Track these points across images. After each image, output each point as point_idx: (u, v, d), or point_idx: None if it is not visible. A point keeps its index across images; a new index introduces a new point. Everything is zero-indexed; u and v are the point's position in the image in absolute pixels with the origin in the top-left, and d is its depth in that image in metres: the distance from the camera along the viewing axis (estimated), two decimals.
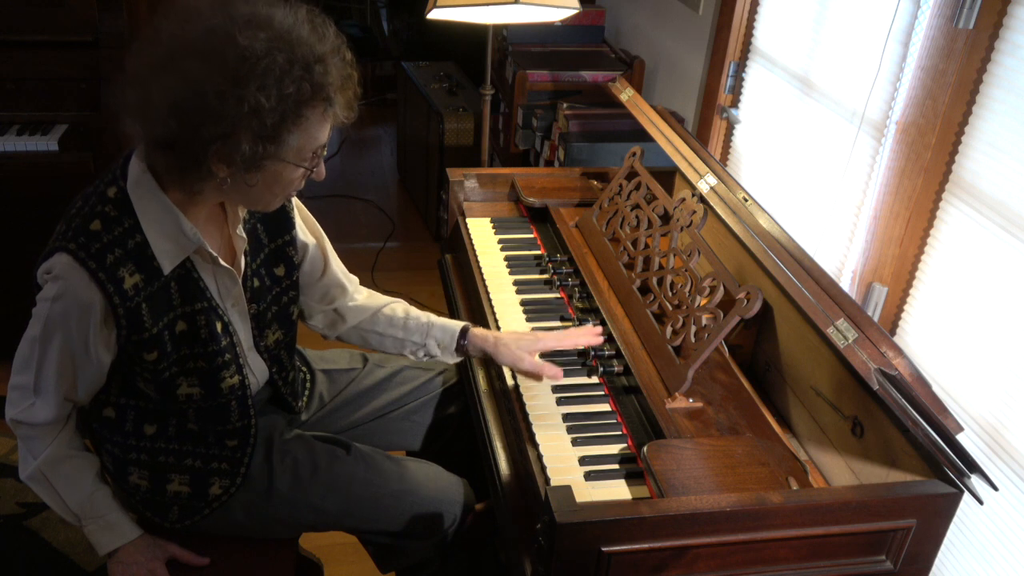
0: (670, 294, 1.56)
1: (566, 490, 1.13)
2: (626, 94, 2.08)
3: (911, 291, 1.79)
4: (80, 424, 1.46)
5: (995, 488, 1.20)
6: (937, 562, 1.29)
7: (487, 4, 2.34)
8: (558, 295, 1.76)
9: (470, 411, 1.68)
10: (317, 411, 1.72)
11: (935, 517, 1.21)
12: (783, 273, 1.44)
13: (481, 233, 1.96)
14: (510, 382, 1.51)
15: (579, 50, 3.38)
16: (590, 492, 1.27)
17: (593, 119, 2.91)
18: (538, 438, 1.37)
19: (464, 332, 1.60)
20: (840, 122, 2.02)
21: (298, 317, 1.60)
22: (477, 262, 1.85)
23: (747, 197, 1.63)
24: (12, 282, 2.38)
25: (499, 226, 2.00)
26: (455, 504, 1.60)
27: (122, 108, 1.23)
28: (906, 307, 1.81)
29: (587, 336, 1.55)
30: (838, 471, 1.38)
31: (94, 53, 2.56)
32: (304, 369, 1.71)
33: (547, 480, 1.29)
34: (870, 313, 1.83)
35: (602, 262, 1.78)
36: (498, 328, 1.65)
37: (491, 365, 1.63)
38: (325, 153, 1.31)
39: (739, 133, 2.55)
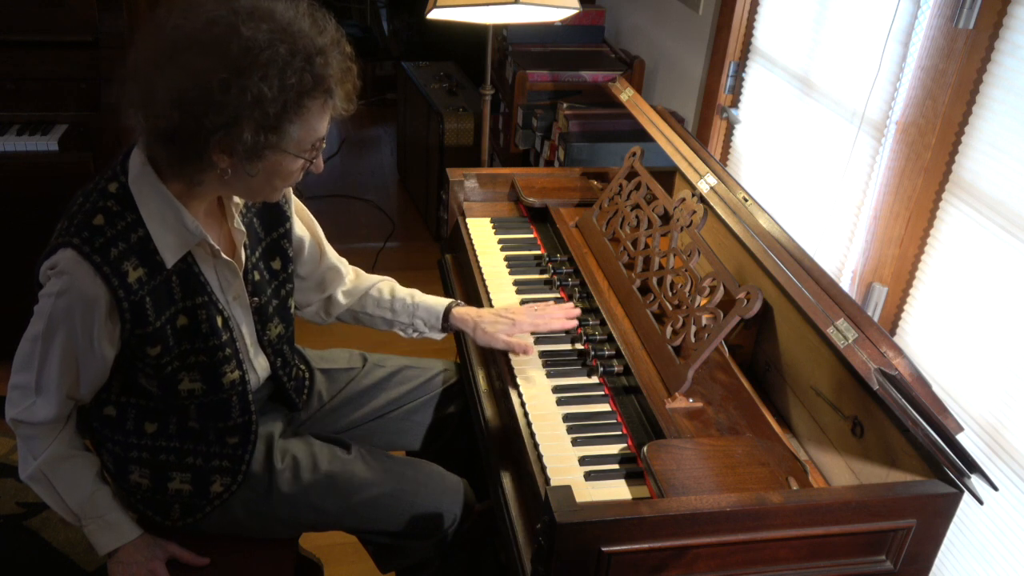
0: (670, 294, 1.56)
1: (566, 490, 1.13)
2: (626, 94, 2.08)
3: (911, 291, 1.79)
4: (80, 423, 1.46)
5: (995, 488, 1.20)
6: (937, 562, 1.29)
7: (487, 4, 2.34)
8: (558, 295, 1.76)
9: (470, 411, 1.68)
10: (317, 410, 1.72)
11: (935, 517, 1.21)
12: (783, 273, 1.44)
13: (481, 233, 1.96)
14: (510, 382, 1.51)
15: (579, 50, 3.38)
16: (590, 492, 1.27)
17: (593, 119, 2.91)
18: (538, 438, 1.37)
19: (447, 314, 1.66)
20: (840, 122, 2.01)
21: (295, 310, 1.61)
22: (477, 262, 1.85)
23: (747, 197, 1.63)
24: (12, 282, 2.38)
25: (499, 226, 2.00)
26: (455, 504, 1.60)
27: (124, 101, 1.23)
28: (906, 307, 1.81)
29: (561, 320, 1.62)
30: (838, 471, 1.38)
31: (94, 53, 2.56)
32: (303, 368, 1.71)
33: (547, 480, 1.29)
34: (870, 313, 1.83)
35: (602, 262, 1.78)
36: None
37: (491, 365, 1.63)
38: (324, 146, 1.32)
39: (739, 133, 2.55)
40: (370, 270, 1.78)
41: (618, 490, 1.28)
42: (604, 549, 1.11)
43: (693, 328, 1.46)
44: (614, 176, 1.90)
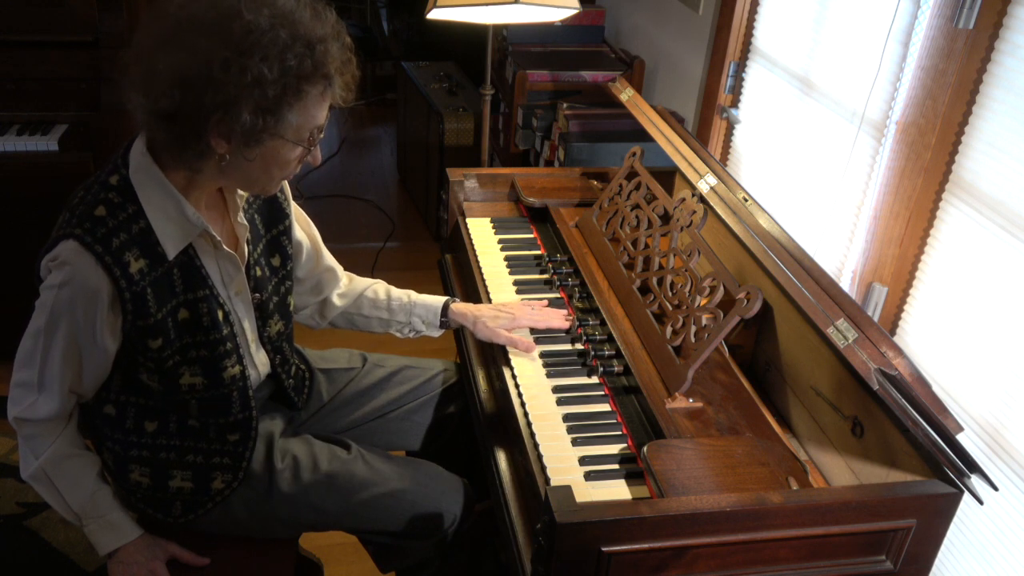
0: (670, 294, 1.56)
1: (566, 490, 1.13)
2: (626, 94, 2.08)
3: (911, 291, 1.79)
4: (81, 423, 1.46)
5: (995, 488, 1.20)
6: (937, 562, 1.29)
7: (487, 4, 2.34)
8: (558, 295, 1.76)
9: (470, 411, 1.68)
10: (317, 410, 1.72)
11: (935, 517, 1.21)
12: (783, 273, 1.44)
13: (481, 233, 1.96)
14: (510, 382, 1.51)
15: (579, 50, 3.38)
16: (590, 492, 1.27)
17: (593, 119, 2.91)
18: (538, 438, 1.37)
19: (445, 310, 1.67)
20: (840, 122, 2.02)
21: (294, 309, 1.61)
22: (477, 262, 1.85)
23: (747, 197, 1.63)
24: (12, 282, 2.38)
25: (499, 226, 2.00)
26: (455, 504, 1.60)
27: (127, 84, 1.24)
28: (906, 307, 1.81)
29: (559, 319, 1.65)
30: (838, 471, 1.38)
31: (94, 53, 2.56)
32: (303, 368, 1.71)
33: (547, 480, 1.29)
34: (870, 313, 1.83)
35: (602, 262, 1.78)
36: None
37: (491, 365, 1.63)
38: (322, 136, 1.32)
39: (739, 133, 2.55)
40: (370, 270, 1.79)
41: (618, 490, 1.29)
42: (604, 549, 1.11)
43: (693, 328, 1.46)
44: (614, 176, 1.90)
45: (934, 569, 1.30)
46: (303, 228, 1.61)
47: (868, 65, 1.89)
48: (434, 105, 3.73)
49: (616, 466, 1.33)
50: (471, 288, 1.85)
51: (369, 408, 1.74)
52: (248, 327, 1.47)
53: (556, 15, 2.50)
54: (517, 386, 1.49)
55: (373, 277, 1.76)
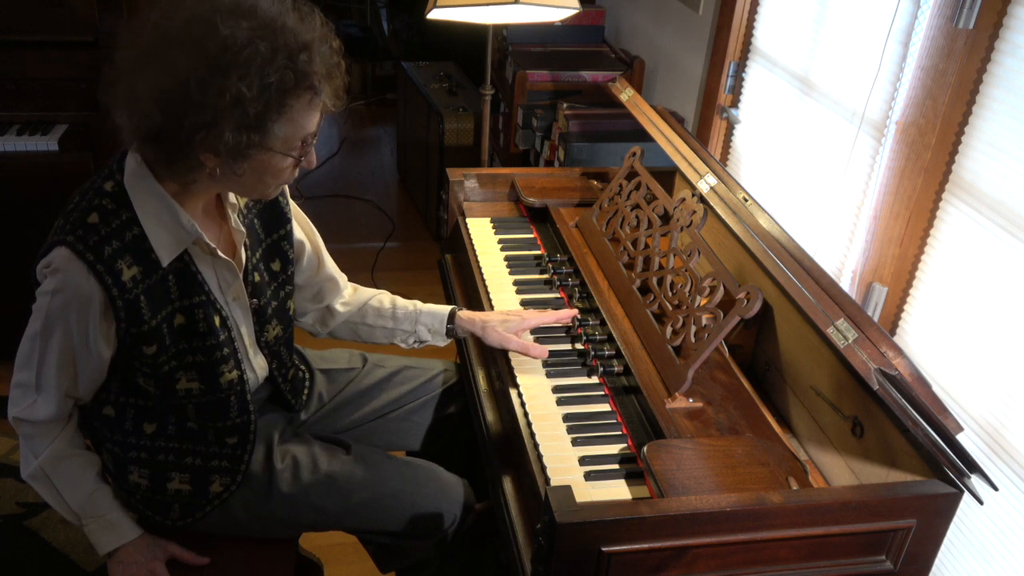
0: (670, 294, 1.56)
1: (566, 490, 1.13)
2: (626, 94, 2.08)
3: (911, 291, 1.79)
4: (81, 423, 1.46)
5: (995, 488, 1.20)
6: (937, 562, 1.29)
7: (487, 4, 2.34)
8: (558, 295, 1.76)
9: (470, 411, 1.68)
10: (317, 411, 1.72)
11: (935, 517, 1.21)
12: (783, 273, 1.44)
13: (481, 233, 1.96)
14: (510, 382, 1.51)
15: (579, 50, 3.38)
16: (590, 492, 1.27)
17: (593, 119, 2.91)
18: (538, 438, 1.37)
19: (452, 317, 1.65)
20: (840, 122, 2.01)
21: (295, 314, 1.61)
22: (477, 262, 1.85)
23: (747, 197, 1.63)
24: (12, 282, 2.38)
25: (499, 226, 2.00)
26: (455, 504, 1.60)
27: (111, 101, 1.22)
28: (906, 307, 1.81)
29: (567, 316, 1.64)
30: (838, 471, 1.38)
31: (94, 53, 2.56)
32: (303, 368, 1.71)
33: (547, 480, 1.29)
34: (870, 313, 1.83)
35: (602, 262, 1.78)
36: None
37: (491, 365, 1.63)
38: (315, 141, 1.31)
39: (739, 133, 2.55)
40: (370, 270, 1.78)
41: (618, 490, 1.28)
42: (604, 549, 1.11)
43: (693, 328, 1.46)
44: (614, 176, 1.90)
45: (934, 569, 1.30)
46: (304, 231, 1.60)
47: (868, 65, 1.89)
48: (434, 105, 3.73)
49: (616, 466, 1.33)
50: (471, 288, 1.85)
51: (369, 408, 1.74)
52: (246, 332, 1.47)
53: (556, 15, 2.50)
54: (517, 386, 1.49)
55: (373, 277, 1.76)
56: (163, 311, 1.33)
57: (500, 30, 3.37)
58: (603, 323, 1.63)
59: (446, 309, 1.66)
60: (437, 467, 1.65)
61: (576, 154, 2.81)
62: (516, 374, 1.51)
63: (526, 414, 1.42)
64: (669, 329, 1.51)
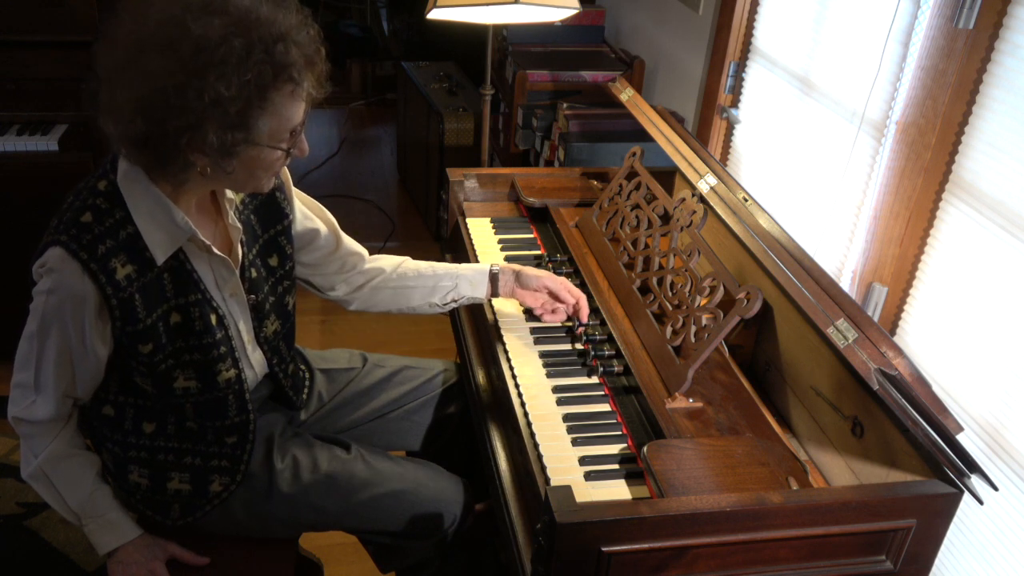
0: (670, 294, 1.56)
1: (566, 490, 1.13)
2: (626, 94, 2.08)
3: (911, 291, 1.79)
4: (81, 423, 1.46)
5: (995, 488, 1.20)
6: (937, 562, 1.29)
7: (487, 4, 2.34)
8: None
9: (470, 411, 1.68)
10: (317, 411, 1.72)
11: (935, 517, 1.21)
12: (783, 273, 1.44)
13: (481, 233, 1.96)
14: (510, 382, 1.51)
15: (579, 50, 3.38)
16: (590, 492, 1.27)
17: (593, 119, 2.91)
18: (538, 438, 1.37)
19: (492, 272, 1.68)
20: (840, 122, 2.01)
21: (295, 309, 1.60)
22: (477, 262, 1.85)
23: (747, 197, 1.63)
24: (12, 282, 2.38)
25: (499, 226, 2.00)
26: (455, 504, 1.60)
27: (95, 109, 1.22)
28: (906, 307, 1.81)
29: (581, 305, 1.66)
30: (838, 471, 1.38)
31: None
32: (303, 368, 1.71)
33: (547, 480, 1.29)
34: (870, 313, 1.83)
35: (602, 262, 1.78)
36: (498, 329, 1.65)
37: (491, 365, 1.63)
38: (303, 129, 1.29)
39: (739, 133, 2.55)
40: None
41: (618, 490, 1.29)
42: (604, 549, 1.11)
43: (693, 328, 1.46)
44: (614, 176, 1.90)
45: (934, 569, 1.30)
46: (317, 215, 1.59)
47: (868, 65, 1.89)
48: (434, 105, 3.73)
49: (616, 466, 1.33)
50: None
51: (369, 408, 1.74)
52: (244, 328, 1.47)
53: (556, 15, 2.50)
54: (517, 386, 1.49)
55: None
56: (158, 310, 1.32)
57: (500, 30, 3.37)
58: (603, 323, 1.63)
59: (485, 264, 1.71)
60: (437, 467, 1.65)
61: (576, 154, 2.81)
62: (516, 374, 1.51)
63: (526, 414, 1.42)
64: (669, 329, 1.51)
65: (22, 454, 1.42)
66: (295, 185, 1.55)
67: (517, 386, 1.49)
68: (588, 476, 1.30)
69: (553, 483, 1.28)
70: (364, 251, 1.68)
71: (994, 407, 1.56)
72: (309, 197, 1.59)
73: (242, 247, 1.43)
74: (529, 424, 1.40)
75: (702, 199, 1.66)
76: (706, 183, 1.70)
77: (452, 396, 1.79)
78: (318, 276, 1.63)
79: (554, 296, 1.66)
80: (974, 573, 1.64)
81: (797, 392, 1.49)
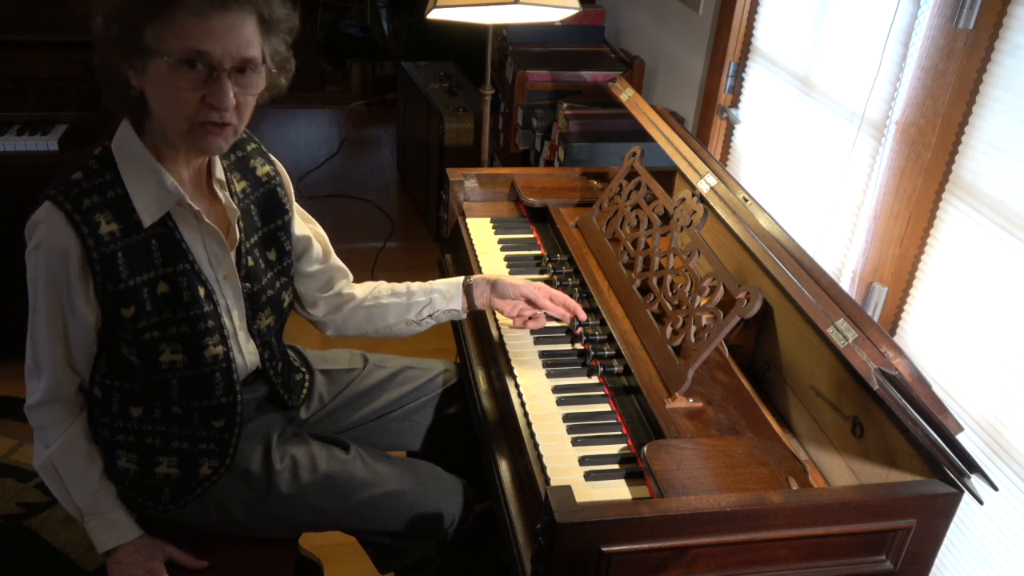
0: (670, 294, 1.56)
1: (566, 490, 1.13)
2: (626, 94, 2.08)
3: (911, 291, 1.79)
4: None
5: (995, 488, 1.20)
6: (937, 562, 1.29)
7: (487, 4, 2.34)
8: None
9: (470, 411, 1.68)
10: (317, 411, 1.72)
11: (935, 517, 1.21)
12: (783, 273, 1.44)
13: (481, 233, 1.96)
14: (510, 382, 1.51)
15: (579, 50, 3.38)
16: (590, 492, 1.27)
17: (593, 119, 2.91)
18: (538, 438, 1.37)
19: (465, 280, 1.67)
20: (840, 122, 2.02)
21: (290, 307, 1.61)
22: (477, 262, 1.85)
23: (747, 197, 1.63)
24: (12, 282, 2.38)
25: (499, 226, 2.00)
26: (455, 504, 1.60)
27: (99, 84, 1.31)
28: (906, 307, 1.81)
29: (579, 311, 1.65)
30: (838, 471, 1.38)
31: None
32: (303, 369, 1.71)
33: (547, 480, 1.29)
34: (870, 313, 1.83)
35: (602, 262, 1.78)
36: (498, 330, 1.65)
37: (491, 365, 1.63)
38: (204, 65, 1.23)
39: (739, 133, 2.55)
40: (370, 270, 1.79)
41: (618, 490, 1.29)
42: (604, 549, 1.11)
43: (693, 328, 1.46)
44: (614, 176, 1.90)
45: (934, 569, 1.30)
46: (310, 228, 1.62)
47: (868, 65, 1.89)
48: (434, 105, 3.73)
49: (616, 466, 1.33)
50: None
51: (369, 409, 1.74)
52: (237, 315, 1.46)
53: (556, 15, 2.50)
54: (517, 386, 1.49)
55: (373, 277, 1.76)
56: (145, 275, 1.34)
57: (500, 30, 3.37)
58: (603, 323, 1.63)
59: (459, 278, 1.69)
60: (437, 468, 1.65)
61: (576, 154, 2.81)
62: (516, 375, 1.51)
63: (526, 414, 1.42)
64: (669, 329, 1.51)
65: (35, 445, 1.45)
66: (296, 186, 1.55)
67: (517, 386, 1.49)
68: (588, 476, 1.30)
69: (553, 483, 1.28)
70: (349, 272, 1.69)
71: (994, 407, 1.56)
72: (303, 210, 1.62)
73: (240, 231, 1.44)
74: (529, 424, 1.40)
75: (702, 199, 1.66)
76: (706, 183, 1.70)
77: (452, 396, 1.79)
78: (303, 286, 1.64)
79: (532, 303, 1.64)
80: (974, 573, 1.64)
81: (797, 392, 1.49)
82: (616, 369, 1.53)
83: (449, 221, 2.07)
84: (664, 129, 1.89)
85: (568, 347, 1.61)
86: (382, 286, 1.69)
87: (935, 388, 1.24)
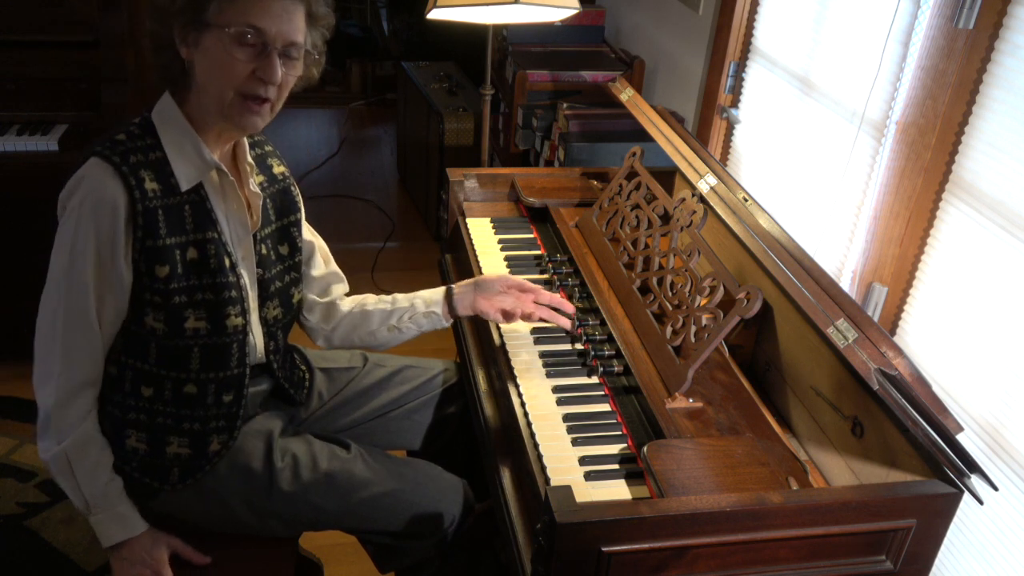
0: (670, 294, 1.56)
1: (566, 490, 1.13)
2: (626, 94, 2.08)
3: (911, 291, 1.79)
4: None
5: (995, 488, 1.20)
6: (937, 562, 1.29)
7: (487, 4, 2.34)
8: (558, 295, 1.76)
9: (470, 411, 1.68)
10: (317, 410, 1.72)
11: (935, 517, 1.21)
12: (783, 273, 1.44)
13: (481, 233, 1.96)
14: (510, 382, 1.51)
15: (579, 50, 3.38)
16: (590, 492, 1.27)
17: (593, 119, 2.91)
18: (538, 438, 1.37)
19: (448, 288, 1.68)
20: (840, 122, 2.02)
21: (299, 304, 1.63)
22: (477, 262, 1.85)
23: (747, 197, 1.63)
24: (12, 282, 2.38)
25: (499, 226, 2.00)
26: (455, 504, 1.60)
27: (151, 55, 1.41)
28: (906, 307, 1.81)
29: (561, 307, 1.63)
30: (838, 471, 1.38)
31: (94, 53, 2.56)
32: (304, 368, 1.71)
33: (547, 480, 1.29)
34: (870, 313, 1.83)
35: (602, 262, 1.78)
36: (498, 330, 1.65)
37: (491, 365, 1.63)
38: (266, 43, 1.33)
39: (739, 133, 2.55)
40: (370, 270, 1.80)
41: (618, 490, 1.29)
42: (604, 549, 1.11)
43: (693, 328, 1.46)
44: (614, 176, 1.90)
45: (934, 569, 1.30)
46: (313, 234, 1.67)
47: (868, 65, 1.89)
48: (434, 105, 3.73)
49: (616, 466, 1.33)
50: None
51: (369, 408, 1.74)
52: (252, 296, 1.49)
53: (556, 15, 2.50)
54: (517, 386, 1.49)
55: (373, 277, 1.77)
56: (178, 238, 1.38)
57: (500, 30, 3.37)
58: (603, 323, 1.63)
59: (442, 288, 1.70)
60: (437, 467, 1.65)
61: (576, 154, 2.81)
62: (516, 374, 1.51)
63: (526, 414, 1.42)
64: (669, 329, 1.51)
65: (42, 435, 1.41)
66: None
67: (517, 386, 1.49)
68: (588, 476, 1.30)
69: (553, 483, 1.28)
70: (345, 279, 1.73)
71: (994, 407, 1.56)
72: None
73: (260, 217, 1.49)
74: (529, 424, 1.40)
75: (702, 199, 1.66)
76: (706, 183, 1.70)
77: (452, 396, 1.79)
78: (305, 289, 1.67)
79: (522, 289, 1.63)
80: (974, 573, 1.64)
81: (797, 392, 1.49)
82: (616, 369, 1.53)
83: (449, 221, 2.07)
84: (664, 129, 1.89)
85: (568, 347, 1.61)
86: (370, 296, 1.71)
87: (935, 388, 1.24)
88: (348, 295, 1.72)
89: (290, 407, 1.67)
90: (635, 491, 1.28)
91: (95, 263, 1.34)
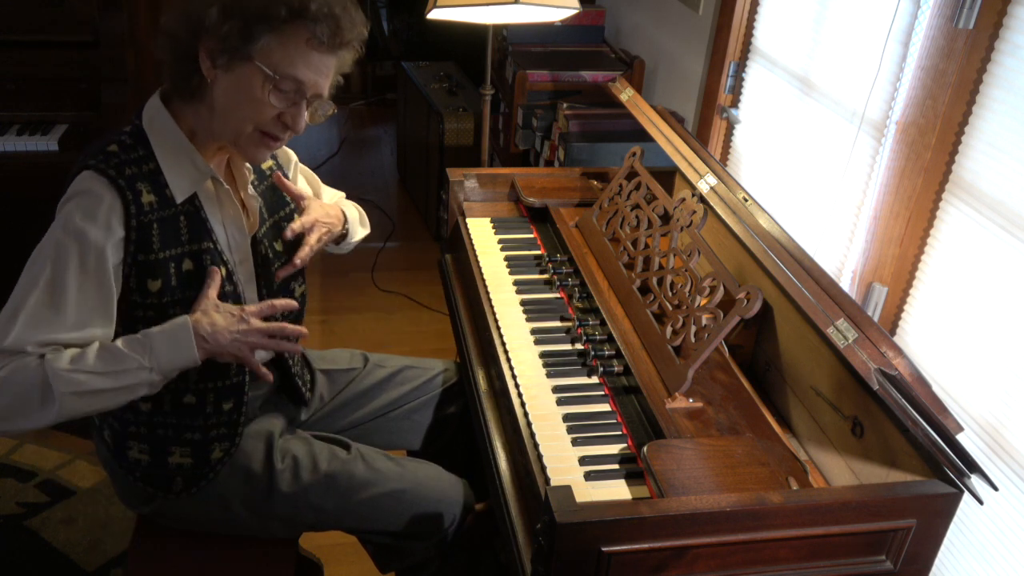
0: (670, 294, 1.56)
1: (566, 490, 1.13)
2: (626, 94, 2.08)
3: (911, 291, 1.79)
4: None
5: (995, 488, 1.20)
6: (937, 562, 1.29)
7: (487, 4, 2.34)
8: (558, 295, 1.76)
9: (470, 411, 1.68)
10: (317, 411, 1.72)
11: (935, 517, 1.21)
12: (783, 273, 1.44)
13: (481, 233, 1.96)
14: (510, 382, 1.51)
15: (579, 50, 3.38)
16: (590, 492, 1.27)
17: (593, 119, 2.91)
18: (538, 438, 1.37)
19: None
20: (840, 122, 2.02)
21: (302, 299, 1.62)
22: (477, 262, 1.85)
23: (747, 197, 1.63)
24: (12, 282, 2.38)
25: (499, 226, 2.00)
26: (455, 504, 1.60)
27: (157, 53, 1.36)
28: (906, 307, 1.81)
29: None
30: (838, 471, 1.38)
31: (94, 53, 2.56)
32: (304, 369, 1.71)
33: (547, 480, 1.29)
34: (870, 313, 1.83)
35: (602, 262, 1.78)
36: (499, 332, 1.65)
37: (491, 365, 1.63)
38: (307, 100, 1.32)
39: (739, 133, 2.55)
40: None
41: (618, 490, 1.29)
42: (604, 549, 1.11)
43: (693, 328, 1.46)
44: (614, 176, 1.90)
45: (934, 569, 1.30)
46: (307, 180, 1.70)
47: (868, 65, 1.89)
48: (434, 105, 3.73)
49: (616, 466, 1.33)
50: (471, 288, 1.84)
51: (369, 408, 1.74)
52: (250, 301, 1.48)
53: (556, 15, 2.50)
54: (517, 386, 1.49)
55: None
56: (173, 250, 1.35)
57: (500, 30, 3.37)
58: (603, 323, 1.63)
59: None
60: (437, 467, 1.65)
61: (576, 154, 2.81)
62: (516, 374, 1.51)
63: (526, 414, 1.42)
64: (669, 329, 1.51)
65: (39, 398, 1.23)
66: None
67: (517, 386, 1.49)
68: (588, 476, 1.30)
69: (553, 483, 1.28)
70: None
71: (994, 407, 1.56)
72: (307, 168, 1.68)
73: (258, 221, 1.49)
74: (529, 424, 1.40)
75: (702, 199, 1.66)
76: (706, 183, 1.70)
77: (452, 396, 1.79)
78: None
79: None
80: (974, 573, 1.64)
81: (797, 392, 1.49)
82: (616, 369, 1.53)
83: (449, 221, 2.07)
84: (664, 129, 1.89)
85: (568, 347, 1.61)
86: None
87: (935, 388, 1.24)
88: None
89: (290, 408, 1.67)
90: (635, 491, 1.28)
91: (78, 270, 1.26)
